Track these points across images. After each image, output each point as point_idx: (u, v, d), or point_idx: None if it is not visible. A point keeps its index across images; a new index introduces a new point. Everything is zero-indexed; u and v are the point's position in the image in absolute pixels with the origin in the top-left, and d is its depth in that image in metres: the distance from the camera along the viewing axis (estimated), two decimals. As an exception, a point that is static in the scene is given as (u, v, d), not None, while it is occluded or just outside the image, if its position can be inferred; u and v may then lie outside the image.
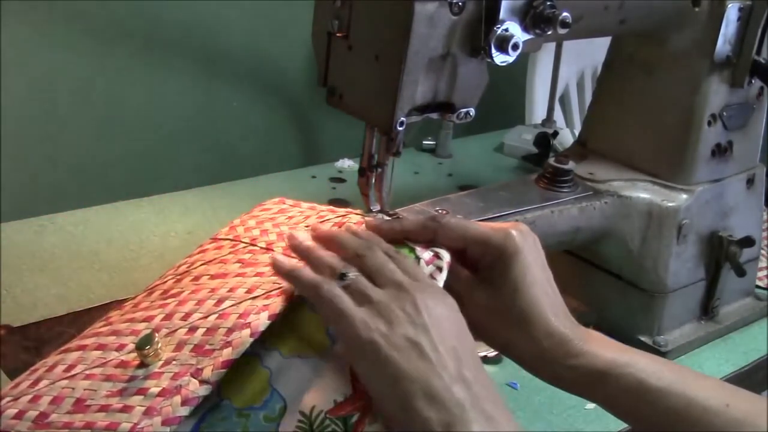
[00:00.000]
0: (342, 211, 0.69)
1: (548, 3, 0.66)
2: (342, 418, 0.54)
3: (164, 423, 0.51)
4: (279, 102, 1.66)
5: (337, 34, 0.66)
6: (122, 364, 0.57)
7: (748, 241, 0.86)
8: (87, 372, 0.57)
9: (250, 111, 1.62)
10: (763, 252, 0.98)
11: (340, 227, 0.66)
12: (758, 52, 0.84)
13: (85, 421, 0.53)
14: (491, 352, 0.80)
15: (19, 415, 0.54)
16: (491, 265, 0.62)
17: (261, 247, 0.66)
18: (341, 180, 1.21)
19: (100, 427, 0.52)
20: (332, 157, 1.28)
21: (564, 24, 0.66)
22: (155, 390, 0.54)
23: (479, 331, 0.66)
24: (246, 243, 0.67)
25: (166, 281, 0.67)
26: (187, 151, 1.56)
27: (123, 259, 0.93)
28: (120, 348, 0.59)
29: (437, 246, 0.62)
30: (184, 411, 0.52)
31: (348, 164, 1.25)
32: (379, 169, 0.69)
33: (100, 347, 0.59)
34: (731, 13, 0.82)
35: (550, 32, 0.67)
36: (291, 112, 1.68)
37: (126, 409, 0.53)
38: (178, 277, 0.66)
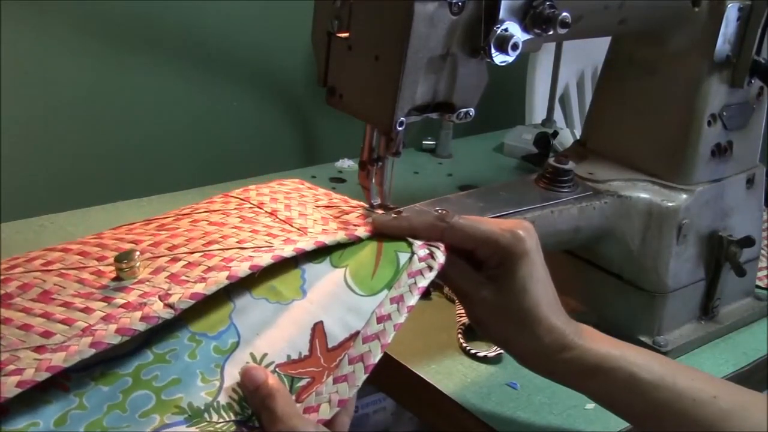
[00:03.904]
0: (354, 202, 0.70)
1: (548, 3, 0.66)
2: (290, 376, 0.54)
3: (117, 331, 0.51)
4: (279, 102, 1.66)
5: (337, 34, 0.67)
6: (98, 273, 0.58)
7: (748, 241, 0.86)
8: (62, 271, 0.59)
9: (250, 111, 1.62)
10: (763, 252, 0.98)
11: (347, 214, 0.68)
12: (758, 52, 0.84)
13: (44, 310, 0.54)
14: (491, 353, 0.80)
15: None
16: (498, 265, 0.63)
17: (266, 211, 0.67)
18: (341, 180, 1.21)
19: (57, 319, 0.53)
20: (332, 157, 1.28)
21: (564, 24, 0.66)
22: (120, 301, 0.54)
23: (483, 328, 0.67)
24: (253, 205, 0.69)
25: (166, 217, 0.68)
26: (187, 151, 1.56)
27: (123, 259, 0.93)
28: (101, 259, 0.60)
29: (438, 244, 0.62)
30: (141, 326, 0.52)
31: (348, 164, 1.25)
32: (380, 163, 0.69)
33: (83, 254, 0.61)
34: (731, 13, 0.82)
35: (550, 32, 0.67)
36: (291, 112, 1.68)
37: (87, 310, 0.54)
38: (179, 216, 0.68)
